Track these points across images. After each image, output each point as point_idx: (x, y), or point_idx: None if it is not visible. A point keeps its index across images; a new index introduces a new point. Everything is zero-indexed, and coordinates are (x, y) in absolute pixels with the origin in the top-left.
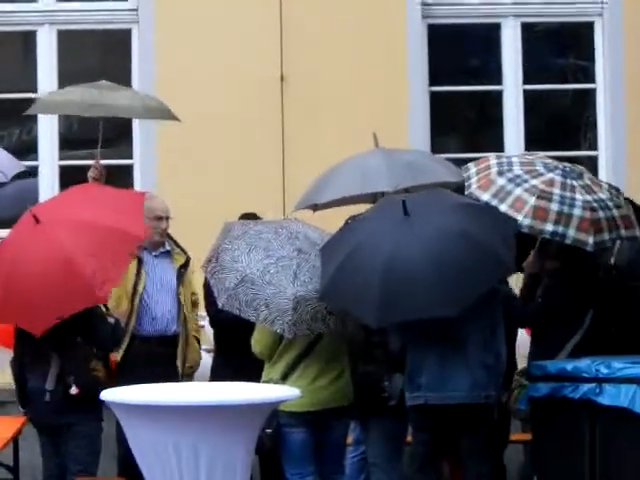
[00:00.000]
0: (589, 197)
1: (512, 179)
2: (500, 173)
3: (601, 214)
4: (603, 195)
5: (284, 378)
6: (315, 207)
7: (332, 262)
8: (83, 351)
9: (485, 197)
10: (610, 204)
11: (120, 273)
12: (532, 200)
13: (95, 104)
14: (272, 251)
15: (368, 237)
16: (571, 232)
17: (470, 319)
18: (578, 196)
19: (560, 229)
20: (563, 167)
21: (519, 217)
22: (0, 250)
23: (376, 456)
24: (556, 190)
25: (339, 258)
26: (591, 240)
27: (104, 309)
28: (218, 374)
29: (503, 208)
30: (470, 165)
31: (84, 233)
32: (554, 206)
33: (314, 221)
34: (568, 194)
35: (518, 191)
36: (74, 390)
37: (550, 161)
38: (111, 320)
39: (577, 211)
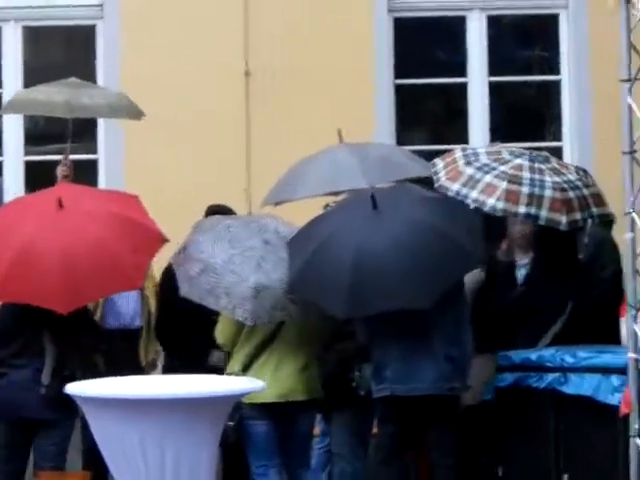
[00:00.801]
0: (558, 179)
1: (480, 167)
2: (468, 163)
3: (571, 194)
4: (571, 176)
5: (247, 367)
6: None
7: (300, 255)
8: (89, 343)
9: (455, 187)
10: (579, 184)
11: (148, 262)
12: (503, 184)
13: (75, 105)
14: (238, 242)
15: (337, 230)
16: (544, 213)
17: (436, 311)
18: (547, 178)
19: (533, 210)
20: (529, 153)
21: (491, 200)
22: (9, 229)
23: (341, 446)
24: (525, 174)
25: (307, 251)
26: (564, 219)
27: None
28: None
29: (474, 195)
30: (437, 160)
31: (114, 222)
32: (525, 189)
33: (279, 213)
34: (537, 177)
35: (488, 178)
36: None
37: (515, 149)
38: None
39: (548, 192)
